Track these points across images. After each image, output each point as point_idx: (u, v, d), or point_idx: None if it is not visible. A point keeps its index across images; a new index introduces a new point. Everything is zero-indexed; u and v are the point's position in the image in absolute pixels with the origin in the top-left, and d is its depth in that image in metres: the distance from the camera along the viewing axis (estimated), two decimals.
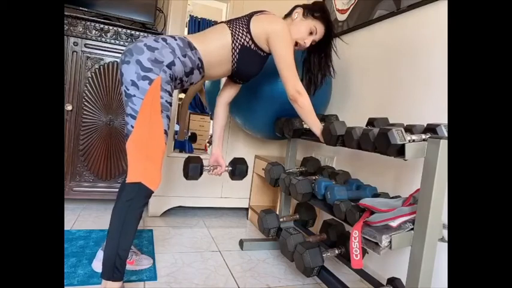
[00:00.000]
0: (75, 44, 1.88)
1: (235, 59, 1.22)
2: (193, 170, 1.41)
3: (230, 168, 1.53)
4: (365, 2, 1.70)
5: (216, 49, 1.19)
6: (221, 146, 1.53)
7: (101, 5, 1.99)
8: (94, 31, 1.91)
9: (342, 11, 1.89)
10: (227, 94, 1.45)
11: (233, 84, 1.42)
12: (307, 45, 1.31)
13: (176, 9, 1.91)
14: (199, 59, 1.16)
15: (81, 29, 1.88)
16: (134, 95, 1.04)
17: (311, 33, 1.30)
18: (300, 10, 1.31)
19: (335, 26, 1.92)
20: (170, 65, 1.09)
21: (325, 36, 1.33)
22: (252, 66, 1.28)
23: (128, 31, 1.98)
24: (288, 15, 1.34)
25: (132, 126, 1.05)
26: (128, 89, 1.05)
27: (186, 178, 1.45)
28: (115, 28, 1.95)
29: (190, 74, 1.17)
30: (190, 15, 3.32)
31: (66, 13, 1.82)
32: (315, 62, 1.40)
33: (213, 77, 1.31)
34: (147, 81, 1.04)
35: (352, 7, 1.81)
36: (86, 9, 1.95)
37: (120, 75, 1.09)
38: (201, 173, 1.45)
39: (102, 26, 1.92)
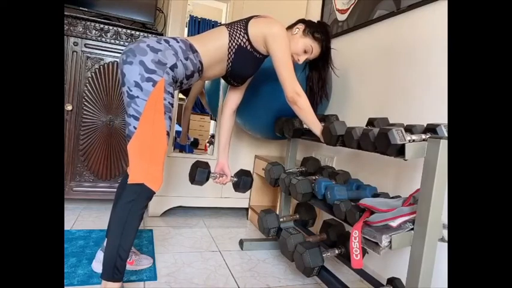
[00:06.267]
0: (75, 44, 1.88)
1: (231, 59, 1.23)
2: (200, 175, 1.40)
3: (235, 179, 1.50)
4: (365, 2, 1.70)
5: (213, 49, 1.20)
6: (227, 154, 1.50)
7: (101, 5, 1.99)
8: (94, 31, 1.91)
9: (342, 11, 1.89)
10: (232, 101, 1.44)
11: (236, 90, 1.42)
12: (300, 62, 1.31)
13: (176, 9, 1.91)
14: (200, 62, 1.17)
15: (81, 29, 1.88)
16: (137, 96, 1.04)
17: (306, 52, 1.29)
18: (301, 26, 1.30)
19: (334, 27, 1.92)
20: (173, 67, 1.09)
21: (320, 57, 1.34)
22: (247, 67, 1.28)
23: (128, 31, 1.98)
24: (290, 27, 1.33)
25: (135, 128, 1.05)
26: (130, 90, 1.04)
27: (191, 182, 1.44)
28: (115, 28, 1.95)
29: (191, 77, 1.18)
30: (190, 15, 3.33)
31: (66, 13, 1.82)
32: (315, 80, 1.41)
33: (209, 78, 1.32)
34: (150, 82, 1.04)
35: (352, 7, 1.81)
36: (86, 9, 1.95)
37: (121, 76, 1.08)
38: (207, 179, 1.44)
39: (102, 26, 1.92)
